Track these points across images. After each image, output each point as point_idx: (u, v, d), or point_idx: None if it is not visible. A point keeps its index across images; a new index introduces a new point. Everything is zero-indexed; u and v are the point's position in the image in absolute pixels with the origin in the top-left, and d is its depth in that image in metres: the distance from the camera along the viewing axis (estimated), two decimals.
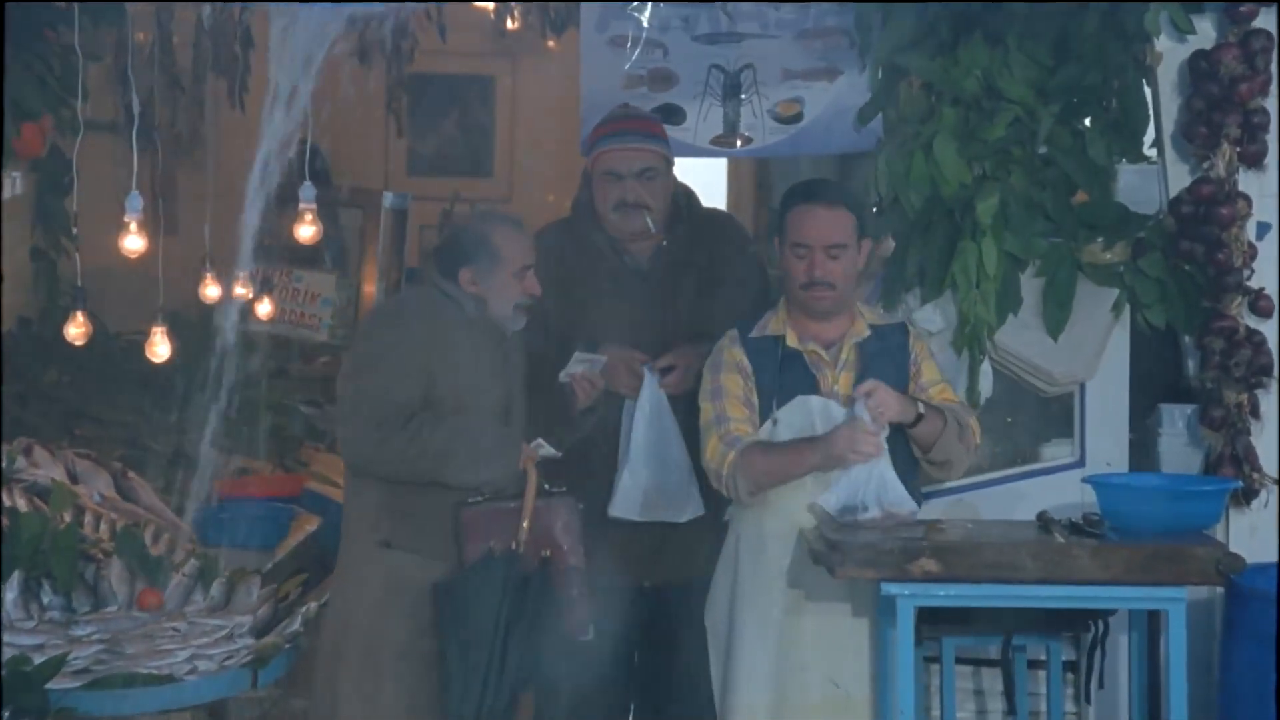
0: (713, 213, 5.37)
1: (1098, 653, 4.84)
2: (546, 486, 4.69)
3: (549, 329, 5.04)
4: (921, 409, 4.63)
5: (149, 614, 4.96)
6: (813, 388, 4.68)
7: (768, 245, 9.95)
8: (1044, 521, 4.61)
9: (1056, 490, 5.20)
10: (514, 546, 4.62)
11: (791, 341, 4.71)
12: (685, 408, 4.93)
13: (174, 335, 6.45)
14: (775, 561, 4.67)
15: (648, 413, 4.99)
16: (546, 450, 4.72)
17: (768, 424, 4.69)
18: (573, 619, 4.66)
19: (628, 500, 4.97)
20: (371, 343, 4.77)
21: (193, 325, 7.09)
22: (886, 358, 4.72)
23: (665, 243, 5.14)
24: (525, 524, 4.63)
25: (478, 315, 4.73)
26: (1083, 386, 5.35)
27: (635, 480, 4.97)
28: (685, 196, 5.25)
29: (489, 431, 4.71)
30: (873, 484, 4.57)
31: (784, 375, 4.69)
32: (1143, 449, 5.37)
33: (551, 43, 8.40)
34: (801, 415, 4.66)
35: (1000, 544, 4.41)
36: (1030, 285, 5.28)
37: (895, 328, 4.82)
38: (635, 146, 5.11)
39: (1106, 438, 5.32)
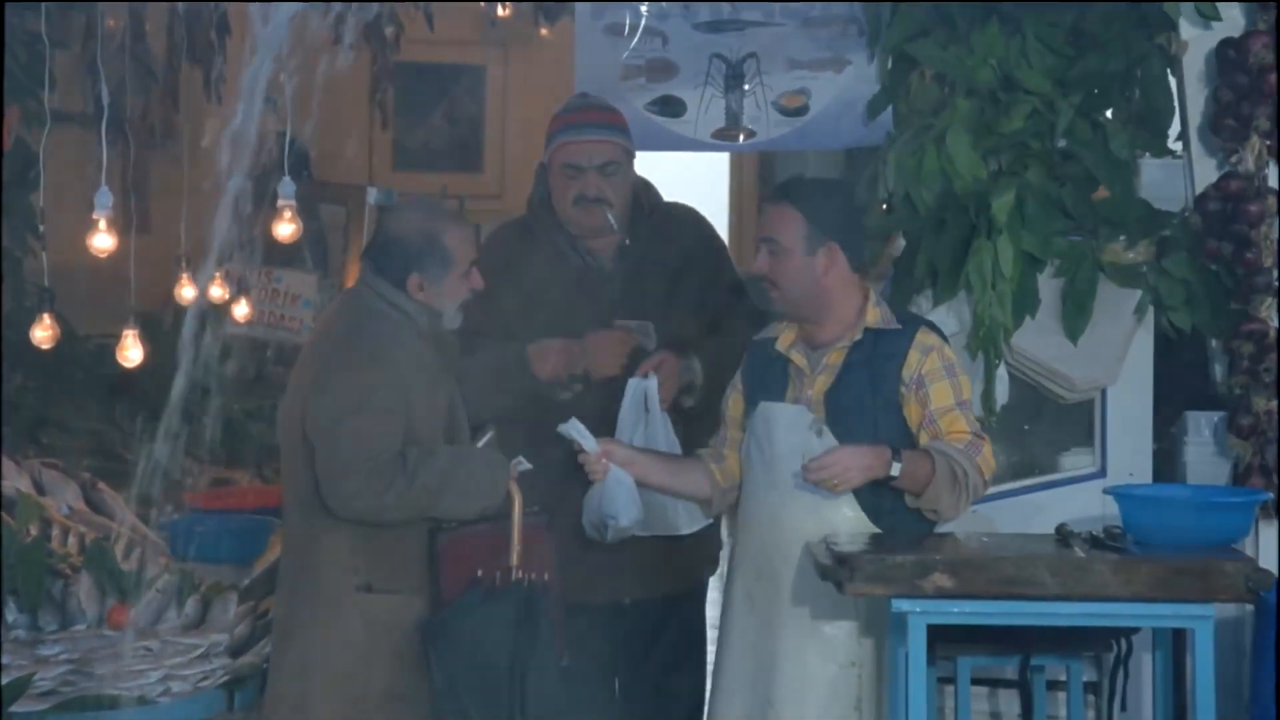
0: (674, 207, 5.31)
1: (1120, 673, 4.83)
2: (532, 510, 4.62)
3: (511, 337, 4.99)
4: (895, 470, 4.43)
5: (120, 632, 4.95)
6: (781, 393, 4.65)
7: None
8: (1063, 535, 4.59)
9: (1076, 502, 5.19)
10: (514, 572, 4.55)
11: (781, 344, 4.68)
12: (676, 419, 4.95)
13: (146, 338, 6.45)
14: (773, 575, 4.65)
15: (631, 422, 4.92)
16: (524, 466, 4.66)
17: (747, 435, 4.68)
18: (556, 645, 4.62)
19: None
20: (350, 383, 4.53)
21: (166, 328, 7.09)
22: (867, 365, 4.58)
23: (628, 241, 5.10)
24: (517, 546, 4.57)
25: (430, 329, 4.63)
26: (1104, 393, 5.35)
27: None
28: (646, 192, 5.21)
29: (478, 457, 4.64)
30: (605, 493, 4.64)
31: (763, 379, 4.68)
32: (1167, 459, 5.37)
33: (544, 31, 8.42)
34: (761, 421, 4.62)
35: (1017, 558, 4.39)
36: (1048, 286, 5.27)
37: (899, 334, 4.59)
38: (596, 139, 5.06)
39: (1129, 447, 5.32)
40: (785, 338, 4.68)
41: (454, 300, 4.66)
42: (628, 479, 4.67)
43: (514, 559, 4.56)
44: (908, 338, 4.59)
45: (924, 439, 4.54)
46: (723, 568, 5.07)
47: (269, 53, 4.41)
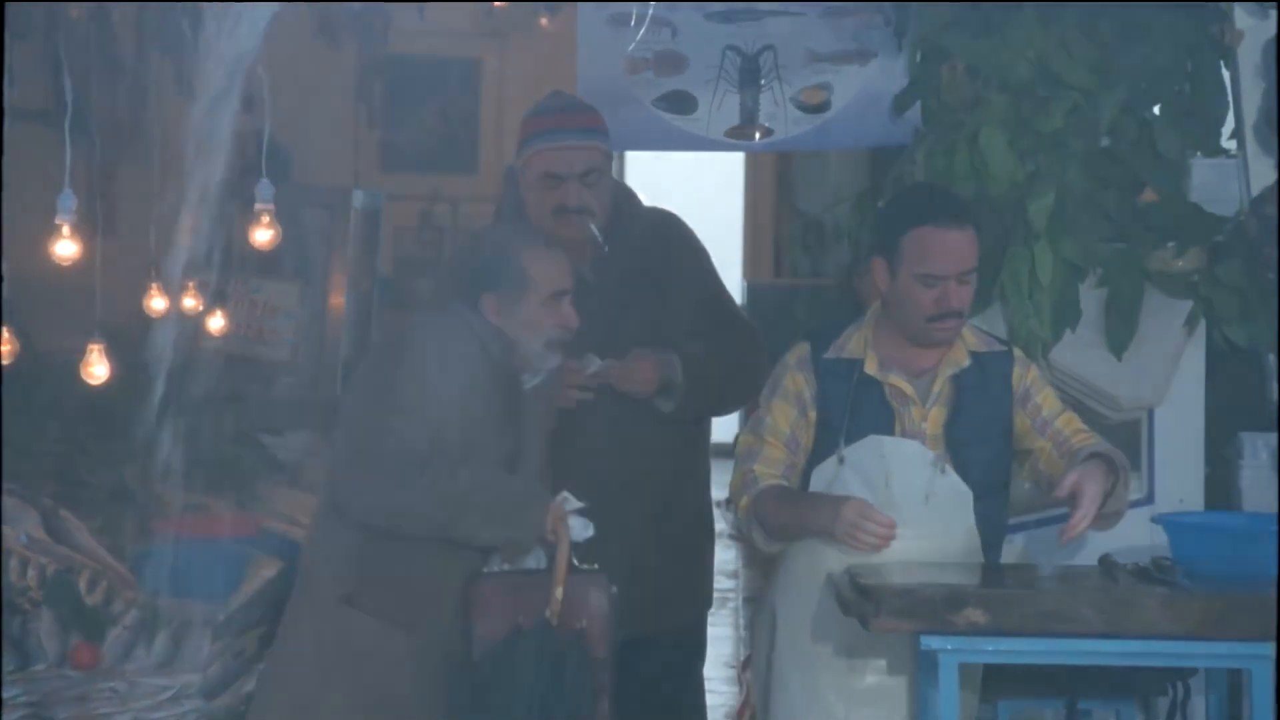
0: (655, 212, 5.31)
1: (1176, 719, 4.82)
2: (575, 561, 4.57)
3: None
4: (1116, 477, 4.53)
5: (83, 673, 4.95)
6: (889, 425, 4.65)
7: (791, 250, 9.97)
8: (1107, 566, 4.58)
9: (1121, 531, 5.16)
10: (547, 618, 4.49)
11: (870, 368, 4.65)
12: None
13: (113, 354, 6.44)
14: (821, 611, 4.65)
15: None
16: (573, 504, 4.60)
17: (831, 463, 4.66)
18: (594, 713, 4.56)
19: None
20: (383, 377, 4.60)
21: (135, 342, 7.07)
22: (983, 392, 4.66)
23: (608, 249, 5.08)
24: (558, 592, 4.50)
25: (501, 357, 4.61)
26: (1151, 413, 5.36)
27: None
28: (624, 197, 5.21)
29: (515, 484, 4.61)
30: None
31: (857, 407, 4.65)
32: (1220, 484, 5.37)
33: (544, 20, 8.42)
34: (872, 457, 4.62)
35: (1057, 592, 4.39)
36: (1091, 297, 5.27)
37: (1000, 355, 4.72)
38: (576, 144, 5.02)
39: (1179, 471, 5.33)
40: (871, 360, 4.66)
41: (536, 332, 4.61)
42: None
43: (552, 607, 4.50)
44: (1008, 357, 4.72)
45: (1045, 446, 4.66)
46: (735, 602, 5.05)
47: (243, 50, 4.41)
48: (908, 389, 4.63)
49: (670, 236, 5.25)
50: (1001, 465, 4.70)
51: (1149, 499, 5.31)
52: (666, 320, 5.08)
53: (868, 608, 4.34)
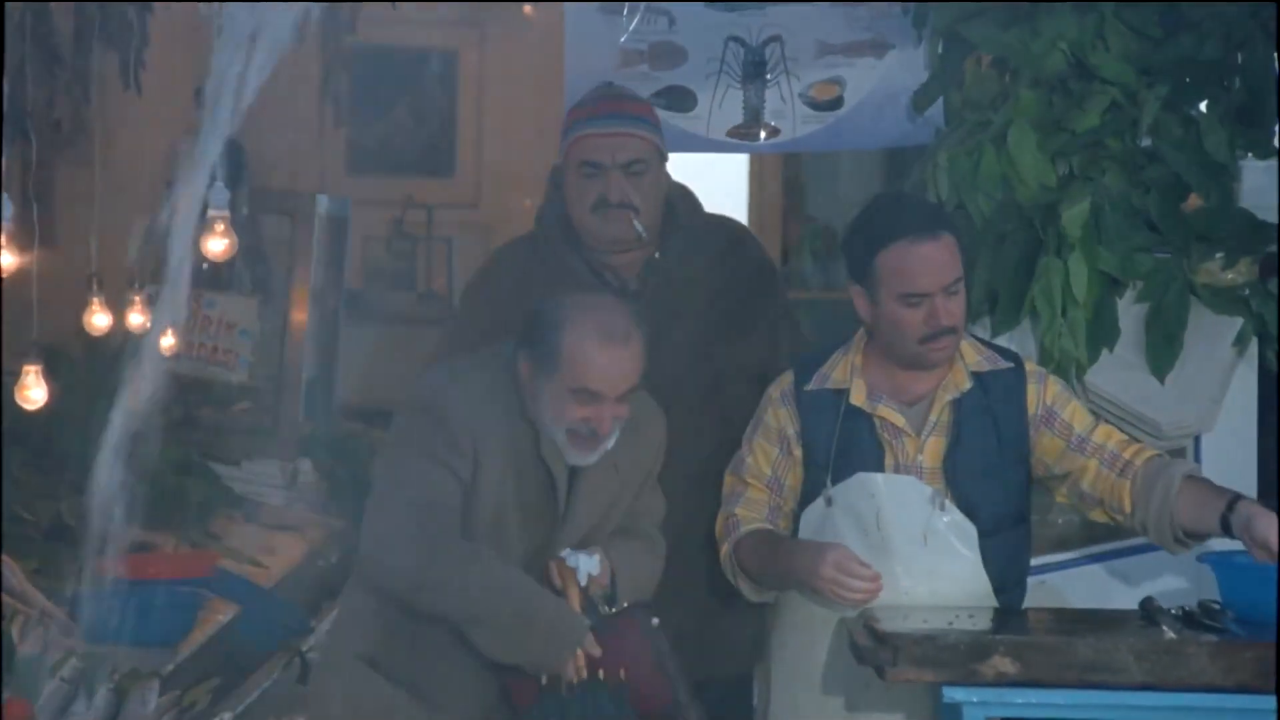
0: (717, 220, 5.33)
1: None
2: (607, 608, 4.52)
3: None
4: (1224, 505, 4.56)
5: None
6: (879, 460, 4.64)
7: (801, 261, 9.96)
8: (1150, 611, 4.59)
9: (1166, 572, 5.19)
10: (570, 677, 4.42)
11: (857, 398, 4.66)
12: None
13: (51, 375, 6.43)
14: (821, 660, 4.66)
15: None
16: (578, 561, 4.52)
17: (819, 504, 4.66)
18: None
19: None
20: (407, 421, 4.52)
21: (75, 362, 7.08)
22: (988, 417, 4.65)
23: (658, 255, 5.09)
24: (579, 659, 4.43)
25: (529, 430, 4.51)
26: (1197, 441, 5.37)
27: None
28: (682, 199, 5.22)
29: (549, 604, 4.44)
30: None
31: (843, 442, 4.64)
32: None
33: (528, 9, 8.43)
34: (862, 497, 4.62)
35: (1095, 639, 4.39)
36: (1130, 313, 5.28)
37: (1008, 374, 4.70)
38: (620, 131, 5.05)
39: None
40: (859, 390, 4.65)
41: (553, 419, 4.47)
42: None
43: (576, 662, 4.43)
44: (1019, 374, 4.70)
45: (1088, 465, 4.65)
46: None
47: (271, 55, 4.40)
48: (898, 420, 4.62)
49: (735, 246, 5.27)
50: (1017, 497, 4.70)
51: None
52: (728, 346, 5.08)
53: (885, 656, 4.34)
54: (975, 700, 4.35)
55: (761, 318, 5.19)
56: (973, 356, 4.70)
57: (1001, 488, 4.66)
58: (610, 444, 4.50)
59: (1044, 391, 4.71)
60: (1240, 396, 5.35)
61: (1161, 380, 5.26)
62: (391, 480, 4.50)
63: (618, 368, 4.46)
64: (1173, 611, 4.57)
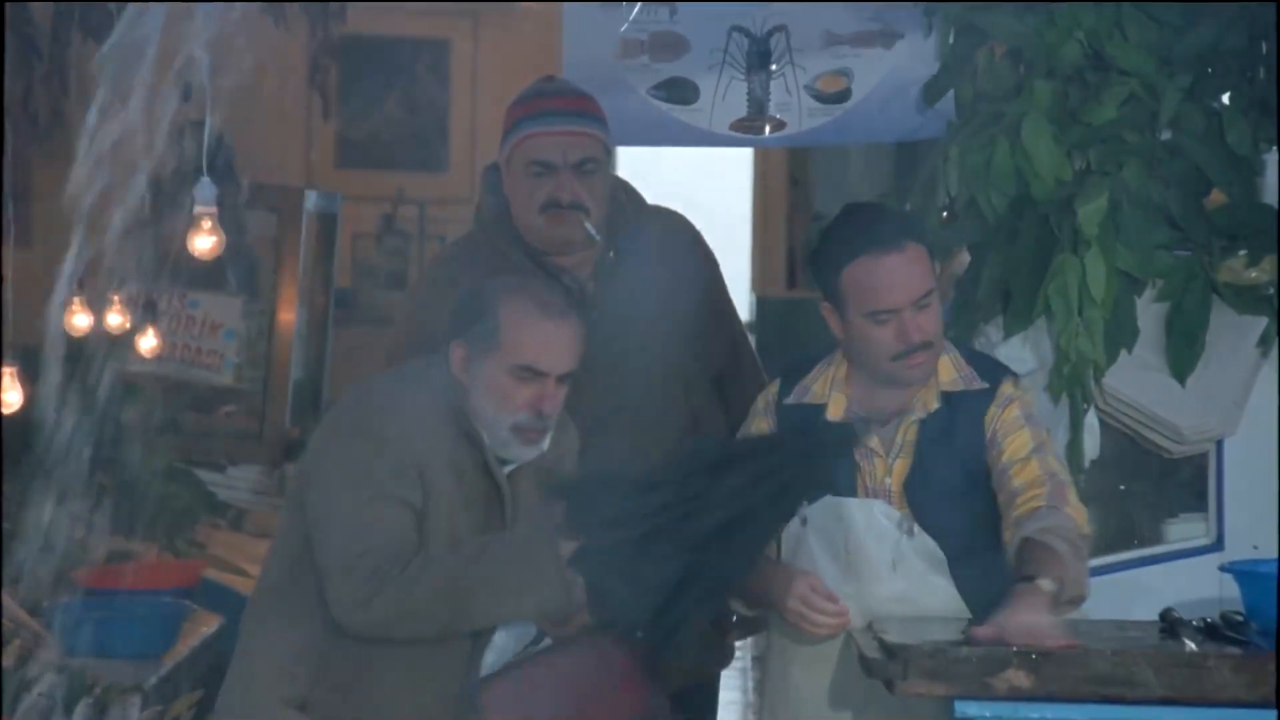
0: (661, 212, 5.29)
1: None
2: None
3: None
4: (1046, 586, 4.36)
5: None
6: (850, 481, 4.62)
7: (806, 260, 9.96)
8: (1170, 622, 4.57)
9: (1186, 581, 5.19)
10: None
11: (834, 414, 4.64)
12: None
13: (27, 378, 6.43)
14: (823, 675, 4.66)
15: None
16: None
17: (796, 523, 4.64)
18: None
19: None
20: (346, 456, 4.40)
21: (53, 365, 7.06)
22: (948, 440, 4.60)
23: (612, 255, 5.06)
24: None
25: (469, 425, 4.43)
26: (1220, 445, 5.36)
27: None
28: (626, 194, 5.19)
29: (511, 542, 4.41)
30: None
31: (819, 459, 4.63)
32: None
33: None
34: (831, 520, 4.60)
35: (1112, 652, 4.38)
36: (1150, 313, 5.27)
37: (976, 395, 4.61)
38: (571, 129, 4.99)
39: (1251, 512, 5.31)
40: (836, 405, 4.64)
41: (495, 410, 4.41)
42: None
43: None
44: (988, 395, 4.62)
45: (1001, 500, 4.56)
46: (744, 662, 5.04)
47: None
48: (871, 440, 4.60)
49: (681, 241, 5.24)
50: (985, 522, 4.60)
51: (1217, 544, 5.32)
52: (676, 344, 5.05)
53: (895, 669, 4.33)
54: (988, 715, 4.34)
55: (710, 314, 5.18)
56: (949, 375, 4.64)
57: (966, 513, 4.59)
58: (549, 440, 4.48)
59: (1002, 413, 4.61)
60: (1264, 399, 5.33)
61: (1182, 382, 5.25)
62: (345, 532, 4.35)
63: (557, 340, 4.43)
64: (1194, 623, 4.55)
